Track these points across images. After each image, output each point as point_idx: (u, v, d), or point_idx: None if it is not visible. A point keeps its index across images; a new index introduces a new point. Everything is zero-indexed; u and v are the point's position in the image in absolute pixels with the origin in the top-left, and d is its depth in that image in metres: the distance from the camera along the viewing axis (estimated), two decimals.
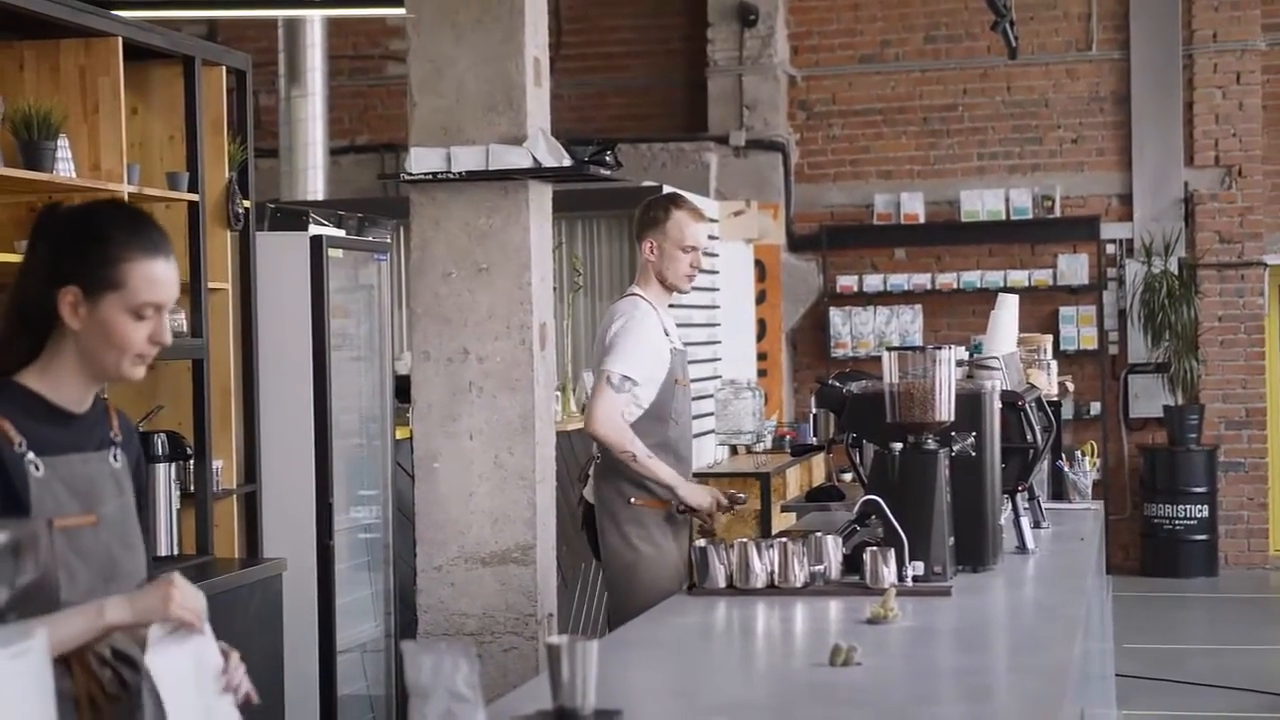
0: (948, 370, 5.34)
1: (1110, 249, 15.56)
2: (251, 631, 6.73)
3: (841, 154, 16.05)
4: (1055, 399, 7.99)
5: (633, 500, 6.59)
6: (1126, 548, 15.18)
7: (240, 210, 7.58)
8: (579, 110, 15.86)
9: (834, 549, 5.25)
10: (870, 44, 16.02)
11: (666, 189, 12.27)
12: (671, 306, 6.91)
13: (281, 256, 7.90)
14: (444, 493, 6.45)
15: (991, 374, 6.32)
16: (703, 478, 8.77)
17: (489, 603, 6.43)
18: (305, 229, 8.17)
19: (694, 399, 7.61)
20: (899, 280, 15.71)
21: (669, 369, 6.66)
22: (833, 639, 4.23)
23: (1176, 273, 15.14)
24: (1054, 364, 8.36)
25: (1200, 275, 15.36)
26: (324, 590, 8.00)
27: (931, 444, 5.34)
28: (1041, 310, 15.17)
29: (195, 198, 7.22)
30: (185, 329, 7.15)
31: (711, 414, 12.03)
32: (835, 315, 15.80)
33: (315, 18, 13.68)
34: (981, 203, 15.59)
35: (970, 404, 5.53)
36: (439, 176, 6.39)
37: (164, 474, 6.88)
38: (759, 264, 14.98)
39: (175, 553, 6.90)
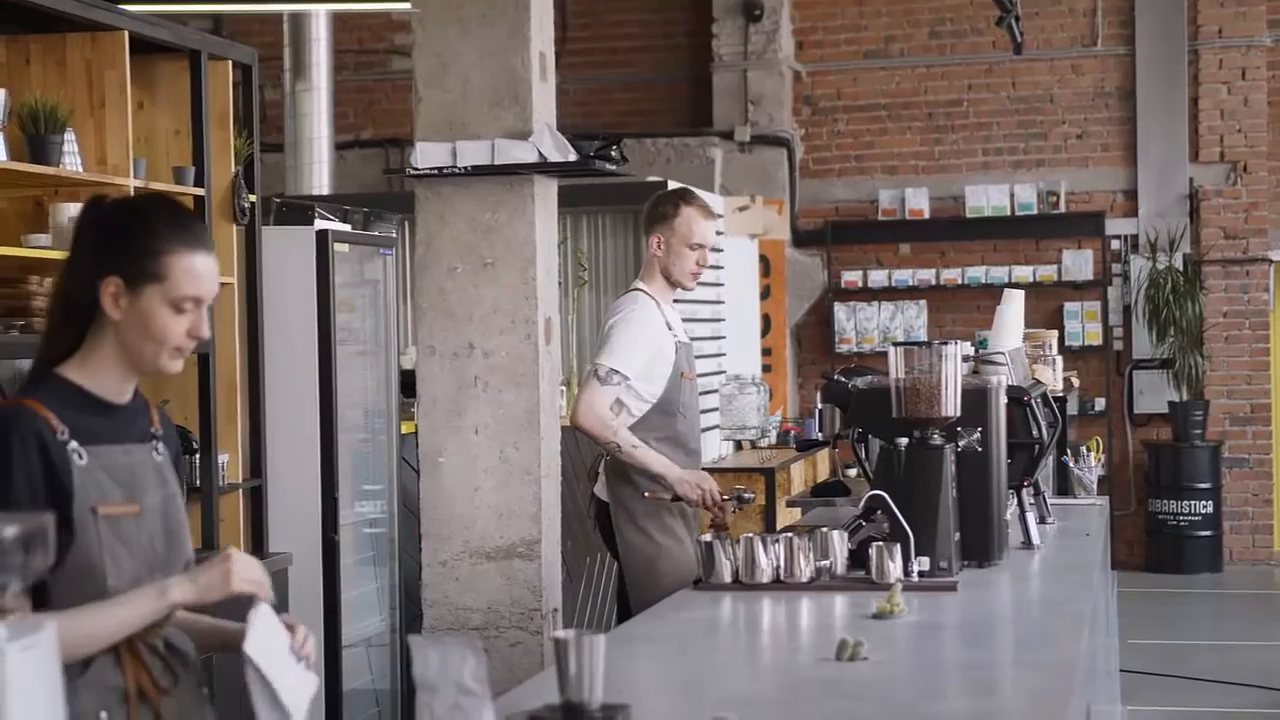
0: (954, 365, 5.34)
1: (1115, 245, 15.56)
2: None
3: (846, 149, 16.05)
4: (1060, 394, 7.99)
5: (647, 494, 6.58)
6: (1131, 543, 15.18)
7: (246, 205, 7.59)
8: (584, 105, 15.86)
9: (840, 544, 5.24)
10: (875, 39, 16.01)
11: (672, 184, 12.28)
12: (676, 302, 6.90)
13: (287, 251, 7.90)
14: (449, 487, 6.44)
15: (997, 369, 6.32)
16: (708, 472, 8.74)
17: (494, 597, 6.42)
18: (311, 224, 8.18)
19: (699, 394, 7.58)
20: (903, 276, 15.71)
21: (674, 363, 6.64)
22: (839, 634, 4.23)
23: (1181, 269, 15.14)
24: (1059, 359, 8.36)
25: (1205, 271, 15.37)
26: (329, 585, 8.01)
27: (937, 439, 5.34)
28: (1046, 306, 15.17)
29: (201, 192, 7.22)
30: None
31: (716, 409, 12.02)
32: (840, 311, 15.80)
33: (320, 12, 13.66)
34: (986, 198, 15.58)
35: (976, 399, 5.53)
36: (444, 171, 6.37)
37: None
38: (764, 259, 14.98)
39: None
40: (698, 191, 7.47)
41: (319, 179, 13.61)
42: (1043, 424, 6.21)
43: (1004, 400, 5.76)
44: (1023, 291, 7.37)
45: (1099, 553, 6.43)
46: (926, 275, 15.66)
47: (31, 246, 6.60)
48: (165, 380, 7.23)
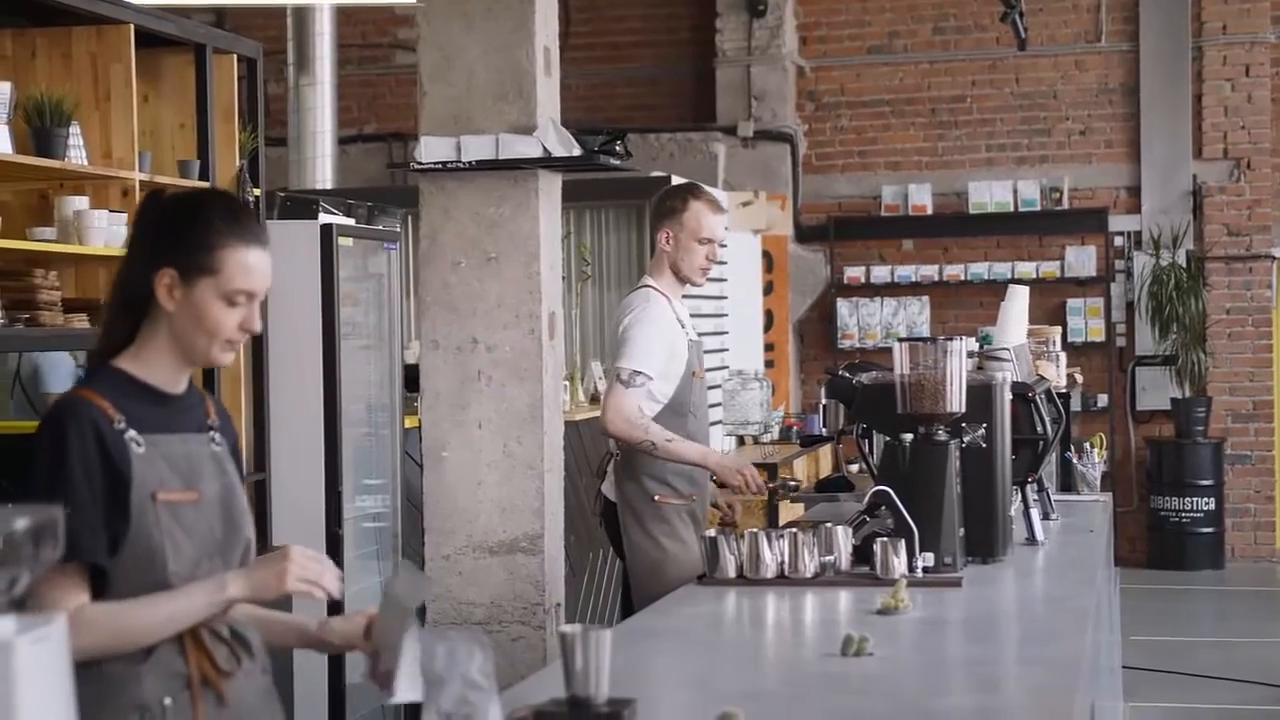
0: (959, 361, 5.33)
1: (1118, 241, 15.56)
2: None
3: (849, 145, 16.05)
4: (1064, 391, 7.98)
5: (656, 498, 6.50)
6: (1133, 540, 15.18)
7: (250, 198, 7.59)
8: (587, 100, 15.85)
9: (844, 540, 5.24)
10: (879, 35, 16.01)
11: (675, 179, 12.28)
12: (684, 297, 6.86)
13: (292, 245, 7.89)
14: (452, 482, 6.45)
15: (1002, 365, 6.31)
16: None
17: (497, 592, 6.42)
18: (315, 218, 8.18)
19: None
20: (906, 272, 15.71)
21: (686, 361, 6.57)
22: (843, 629, 4.22)
23: (1184, 265, 15.13)
24: (1063, 356, 8.36)
25: (1208, 268, 15.37)
26: None
27: (942, 435, 5.34)
28: (1049, 302, 15.16)
29: (206, 185, 7.22)
30: None
31: (719, 404, 12.03)
32: (842, 306, 15.80)
33: (324, 6, 13.67)
34: (989, 194, 15.58)
35: (981, 395, 5.53)
36: (449, 166, 6.37)
37: None
38: (766, 255, 14.99)
39: None
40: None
41: (322, 173, 13.62)
42: (1047, 420, 6.21)
43: (1009, 396, 5.75)
44: (1027, 288, 7.37)
45: (1102, 549, 6.43)
46: (929, 271, 15.66)
47: (37, 240, 6.60)
48: None
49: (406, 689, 3.04)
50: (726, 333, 12.77)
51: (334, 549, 8.01)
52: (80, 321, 6.58)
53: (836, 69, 16.06)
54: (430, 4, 6.46)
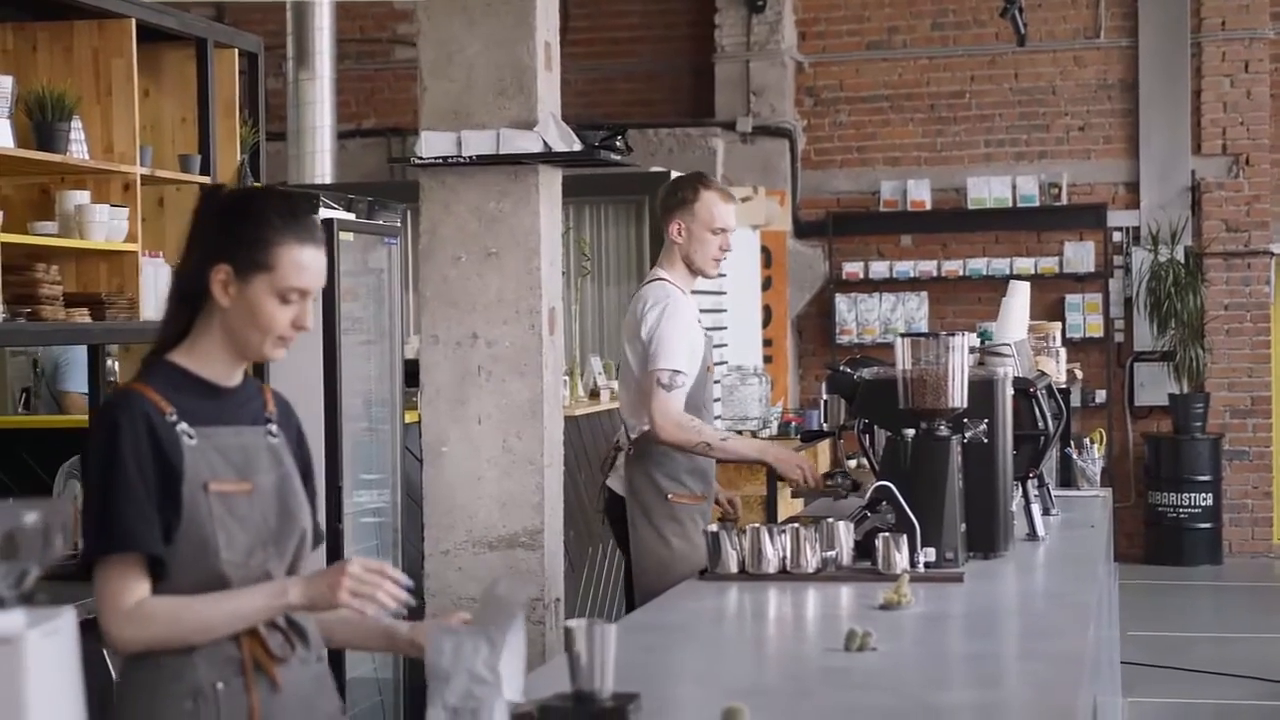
0: (961, 357, 5.33)
1: (1117, 237, 15.57)
2: None
3: (848, 141, 16.05)
4: (1064, 386, 7.99)
5: (670, 496, 6.42)
6: (1131, 535, 15.18)
7: None
8: (585, 95, 15.85)
9: (846, 535, 5.24)
10: (878, 30, 16.01)
11: (675, 174, 12.28)
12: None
13: None
14: (452, 477, 6.45)
15: (1003, 361, 6.31)
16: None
17: None
18: (315, 212, 8.15)
19: None
20: (905, 267, 15.72)
21: (702, 357, 6.51)
22: (845, 624, 4.23)
23: (1183, 261, 15.14)
24: (1063, 351, 8.37)
25: (1206, 264, 15.37)
26: None
27: (944, 430, 5.34)
28: (1047, 298, 15.16)
29: (207, 180, 7.22)
30: None
31: (718, 399, 12.02)
32: (841, 302, 15.81)
33: (323, 1, 13.66)
34: (988, 190, 15.59)
35: (983, 390, 5.53)
36: (449, 160, 6.37)
37: None
38: (765, 250, 14.98)
39: None
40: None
41: (321, 168, 13.60)
42: (1048, 415, 6.21)
43: (1010, 392, 5.76)
44: (1028, 283, 7.37)
45: (1103, 545, 6.44)
46: (928, 267, 15.67)
47: (38, 234, 6.60)
48: None
49: (508, 688, 3.05)
50: (725, 328, 12.76)
51: (334, 544, 8.00)
52: (81, 316, 6.58)
53: (835, 64, 16.06)
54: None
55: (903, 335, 5.42)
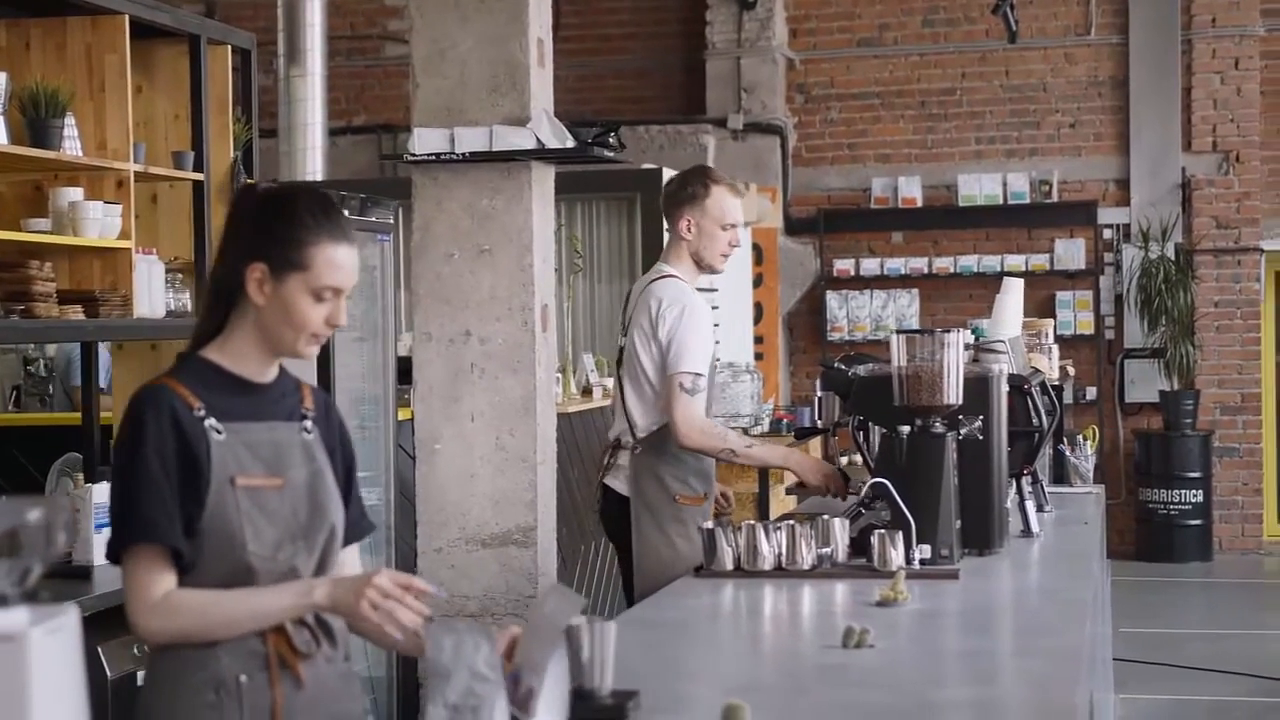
0: (956, 354, 5.33)
1: (1107, 234, 15.58)
2: None
3: (839, 137, 16.05)
4: (1057, 383, 8.00)
5: (678, 497, 6.34)
6: (1121, 532, 15.20)
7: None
8: (576, 92, 15.84)
9: (841, 532, 5.24)
10: (868, 27, 16.01)
11: (667, 172, 12.27)
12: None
13: None
14: (445, 474, 6.44)
15: (998, 357, 6.31)
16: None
17: (489, 584, 6.42)
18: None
19: None
20: (896, 264, 15.72)
21: (712, 354, 6.48)
22: (842, 621, 4.23)
23: (1173, 258, 15.15)
24: (1055, 348, 8.37)
25: (1197, 261, 15.39)
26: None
27: (939, 427, 5.34)
28: (1038, 295, 15.16)
29: (200, 177, 7.21)
30: (189, 308, 7.15)
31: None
32: (832, 299, 15.81)
33: None
34: (979, 187, 15.60)
35: (978, 387, 5.53)
36: (442, 157, 6.36)
37: None
38: (756, 247, 14.98)
39: None
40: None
41: (313, 164, 13.54)
42: (1042, 412, 6.22)
43: (1005, 388, 5.76)
44: (1022, 280, 7.37)
45: (1097, 541, 6.44)
46: (919, 264, 15.67)
47: (31, 231, 6.59)
48: (162, 364, 7.24)
49: (549, 712, 3.04)
50: (716, 325, 12.74)
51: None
52: (75, 313, 6.56)
53: (826, 61, 16.07)
54: None
55: (898, 332, 5.41)
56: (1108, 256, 15.56)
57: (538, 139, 6.29)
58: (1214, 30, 15.40)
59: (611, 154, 6.62)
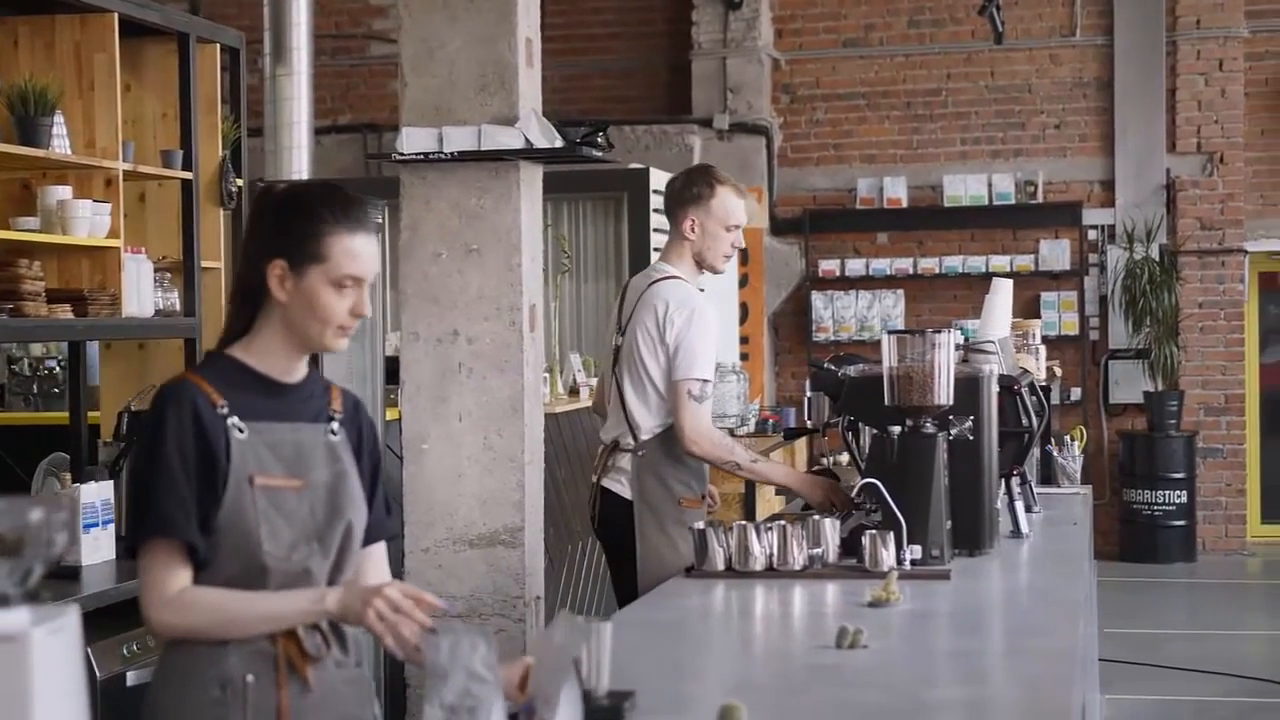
0: (946, 354, 5.34)
1: (1092, 235, 15.60)
2: None
3: (824, 138, 16.06)
4: (1045, 384, 8.00)
5: (682, 501, 6.25)
6: (1105, 533, 15.21)
7: (233, 189, 7.56)
8: (562, 92, 15.83)
9: (832, 532, 5.25)
10: (854, 28, 16.02)
11: (655, 172, 12.28)
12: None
13: None
14: (432, 474, 6.44)
15: (988, 358, 6.32)
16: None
17: (476, 585, 6.42)
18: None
19: None
20: (881, 265, 15.73)
21: (714, 358, 6.41)
22: (834, 621, 4.23)
23: (1158, 259, 15.18)
24: (1043, 349, 8.38)
25: (1181, 262, 15.41)
26: None
27: (930, 427, 5.34)
28: (1023, 296, 15.17)
29: (189, 176, 7.19)
30: (178, 307, 7.14)
31: None
32: (817, 299, 15.81)
33: None
34: (964, 188, 15.62)
35: (968, 388, 5.53)
36: (430, 157, 6.35)
37: None
38: (741, 248, 14.95)
39: None
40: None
41: (299, 163, 13.53)
42: (1031, 413, 6.22)
43: (995, 389, 5.76)
44: (1011, 281, 7.38)
45: (1086, 542, 6.45)
46: (904, 264, 15.68)
47: (20, 229, 6.57)
48: (151, 365, 7.25)
49: None
50: None
51: None
52: (64, 312, 6.54)
53: (812, 62, 16.07)
54: None
55: (890, 332, 5.41)
56: (1092, 257, 15.59)
57: (526, 139, 6.29)
58: (1198, 32, 15.43)
59: (600, 154, 6.63)
